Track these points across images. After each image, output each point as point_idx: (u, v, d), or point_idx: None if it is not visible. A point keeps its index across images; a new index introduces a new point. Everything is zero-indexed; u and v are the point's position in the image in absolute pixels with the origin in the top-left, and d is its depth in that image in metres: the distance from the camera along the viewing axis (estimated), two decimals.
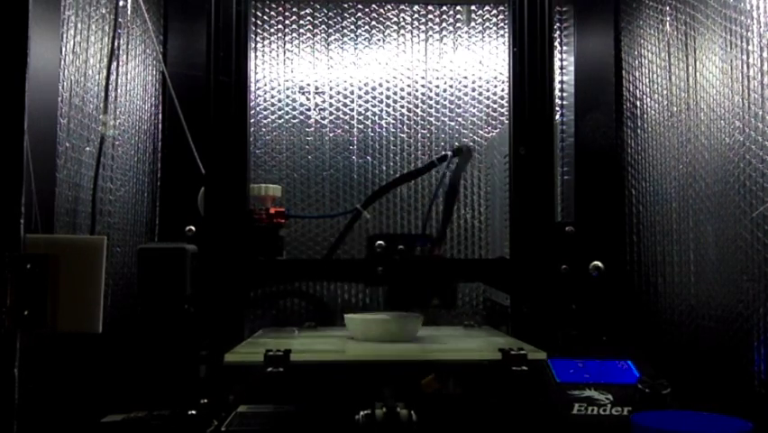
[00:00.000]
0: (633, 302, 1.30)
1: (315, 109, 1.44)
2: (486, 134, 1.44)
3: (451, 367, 0.88)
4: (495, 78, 1.45)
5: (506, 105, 1.41)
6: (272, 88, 1.44)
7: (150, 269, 0.98)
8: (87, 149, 0.99)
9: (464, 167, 1.27)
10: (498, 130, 1.42)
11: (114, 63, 1.08)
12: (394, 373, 0.87)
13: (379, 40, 1.45)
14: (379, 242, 1.10)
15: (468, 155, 1.25)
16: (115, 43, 1.07)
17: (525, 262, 1.06)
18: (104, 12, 1.06)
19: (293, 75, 1.44)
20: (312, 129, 1.43)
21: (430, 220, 1.28)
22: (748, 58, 0.92)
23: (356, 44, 1.45)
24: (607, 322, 1.22)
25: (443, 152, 1.33)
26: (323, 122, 1.44)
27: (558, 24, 1.43)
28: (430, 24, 1.46)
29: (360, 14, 1.46)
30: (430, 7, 1.46)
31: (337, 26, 1.45)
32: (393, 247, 1.10)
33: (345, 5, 1.45)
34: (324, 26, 1.45)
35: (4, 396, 0.53)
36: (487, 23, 1.46)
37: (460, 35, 1.46)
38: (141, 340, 1.10)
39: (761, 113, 0.88)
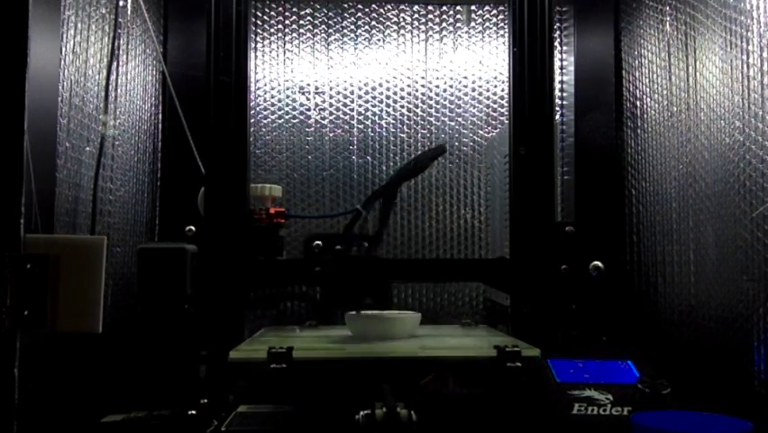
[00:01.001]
0: (633, 302, 1.30)
1: (315, 109, 1.44)
2: (486, 134, 1.44)
3: (449, 364, 0.90)
4: (495, 78, 1.45)
5: (506, 105, 1.41)
6: (272, 88, 1.44)
7: (150, 269, 0.98)
8: (87, 149, 0.99)
9: (407, 169, 1.23)
10: (498, 130, 1.42)
11: (114, 63, 1.08)
12: (393, 370, 0.89)
13: (379, 40, 1.45)
14: (316, 242, 1.10)
15: (428, 155, 1.23)
16: (115, 43, 1.07)
17: (525, 262, 1.06)
18: (104, 12, 1.06)
19: (293, 75, 1.44)
20: (312, 129, 1.44)
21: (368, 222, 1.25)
22: (748, 58, 0.92)
23: (356, 44, 1.45)
24: (607, 322, 1.22)
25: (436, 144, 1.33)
26: (323, 122, 1.44)
27: (558, 24, 1.43)
28: (430, 24, 1.46)
29: (360, 14, 1.46)
30: (430, 7, 1.46)
31: (337, 26, 1.45)
32: (330, 247, 1.10)
33: (345, 5, 1.45)
34: (324, 26, 1.45)
35: (4, 396, 0.53)
36: (487, 23, 1.46)
37: (460, 35, 1.46)
38: (141, 340, 1.10)
39: (761, 113, 0.88)
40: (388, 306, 1.07)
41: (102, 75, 1.04)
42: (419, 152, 1.38)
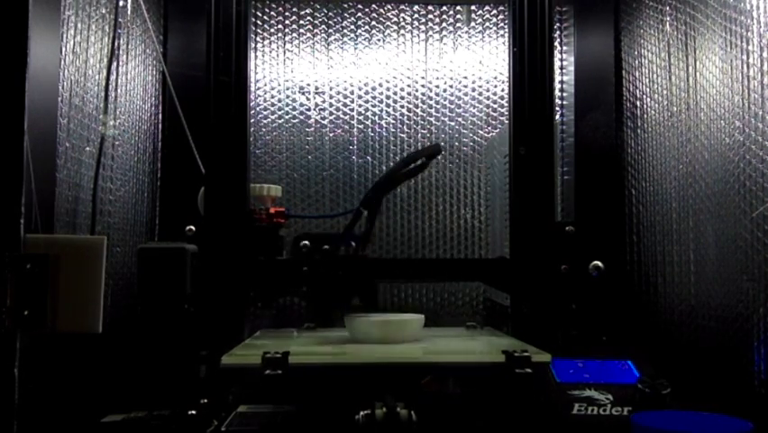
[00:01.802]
0: (633, 302, 1.30)
1: (315, 109, 1.44)
2: (486, 134, 1.44)
3: (453, 370, 0.88)
4: (495, 78, 1.45)
5: (506, 105, 1.41)
6: (272, 88, 1.44)
7: (150, 269, 0.98)
8: (87, 149, 0.99)
9: (401, 169, 1.23)
10: (498, 130, 1.42)
11: (114, 63, 1.08)
12: (395, 376, 0.86)
13: (379, 40, 1.45)
14: (304, 242, 1.09)
15: (423, 155, 1.23)
16: (115, 43, 1.07)
17: (525, 262, 1.06)
18: (104, 12, 1.06)
19: (293, 75, 1.44)
20: (312, 129, 1.44)
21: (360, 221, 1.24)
22: (748, 58, 0.92)
23: (356, 44, 1.45)
24: (607, 322, 1.22)
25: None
26: (323, 122, 1.44)
27: (558, 24, 1.43)
28: (430, 24, 1.46)
29: (360, 14, 1.46)
30: (430, 7, 1.46)
31: (337, 26, 1.45)
32: (318, 247, 1.09)
33: (345, 5, 1.45)
34: (324, 26, 1.45)
35: (4, 396, 0.53)
36: (487, 23, 1.46)
37: (460, 35, 1.46)
38: (141, 340, 1.10)
39: (761, 113, 0.88)
40: (375, 306, 1.06)
41: (102, 75, 1.04)
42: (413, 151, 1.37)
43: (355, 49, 1.45)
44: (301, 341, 1.08)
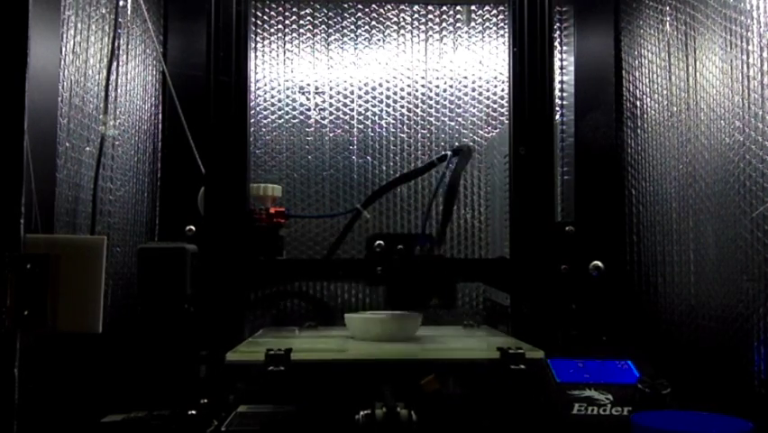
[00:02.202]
0: (633, 302, 1.30)
1: (315, 109, 1.44)
2: (486, 134, 1.44)
3: (450, 366, 0.89)
4: (495, 78, 1.45)
5: (506, 105, 1.41)
6: (272, 88, 1.44)
7: (150, 269, 0.98)
8: (87, 149, 0.99)
9: (464, 166, 1.27)
10: (498, 130, 1.42)
11: (114, 63, 1.08)
12: (394, 372, 0.88)
13: (379, 40, 1.45)
14: (378, 242, 1.10)
15: (468, 155, 1.25)
16: (115, 43, 1.07)
17: (525, 262, 1.06)
18: (104, 12, 1.06)
19: (293, 75, 1.44)
20: (312, 129, 1.43)
21: (430, 220, 1.28)
22: (748, 58, 0.92)
23: (356, 44, 1.45)
24: (607, 322, 1.22)
25: (443, 152, 1.33)
26: (323, 122, 1.44)
27: (558, 24, 1.43)
28: (430, 24, 1.46)
29: (360, 14, 1.46)
30: (430, 7, 1.46)
31: (337, 26, 1.45)
32: (393, 247, 1.10)
33: (345, 5, 1.45)
34: (324, 26, 1.45)
35: (4, 396, 0.53)
36: (487, 23, 1.46)
37: (460, 35, 1.46)
38: (141, 340, 1.10)
39: (761, 113, 0.88)
40: (454, 306, 1.07)
41: (102, 75, 1.04)
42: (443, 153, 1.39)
43: (355, 49, 1.45)
44: (303, 339, 1.10)
